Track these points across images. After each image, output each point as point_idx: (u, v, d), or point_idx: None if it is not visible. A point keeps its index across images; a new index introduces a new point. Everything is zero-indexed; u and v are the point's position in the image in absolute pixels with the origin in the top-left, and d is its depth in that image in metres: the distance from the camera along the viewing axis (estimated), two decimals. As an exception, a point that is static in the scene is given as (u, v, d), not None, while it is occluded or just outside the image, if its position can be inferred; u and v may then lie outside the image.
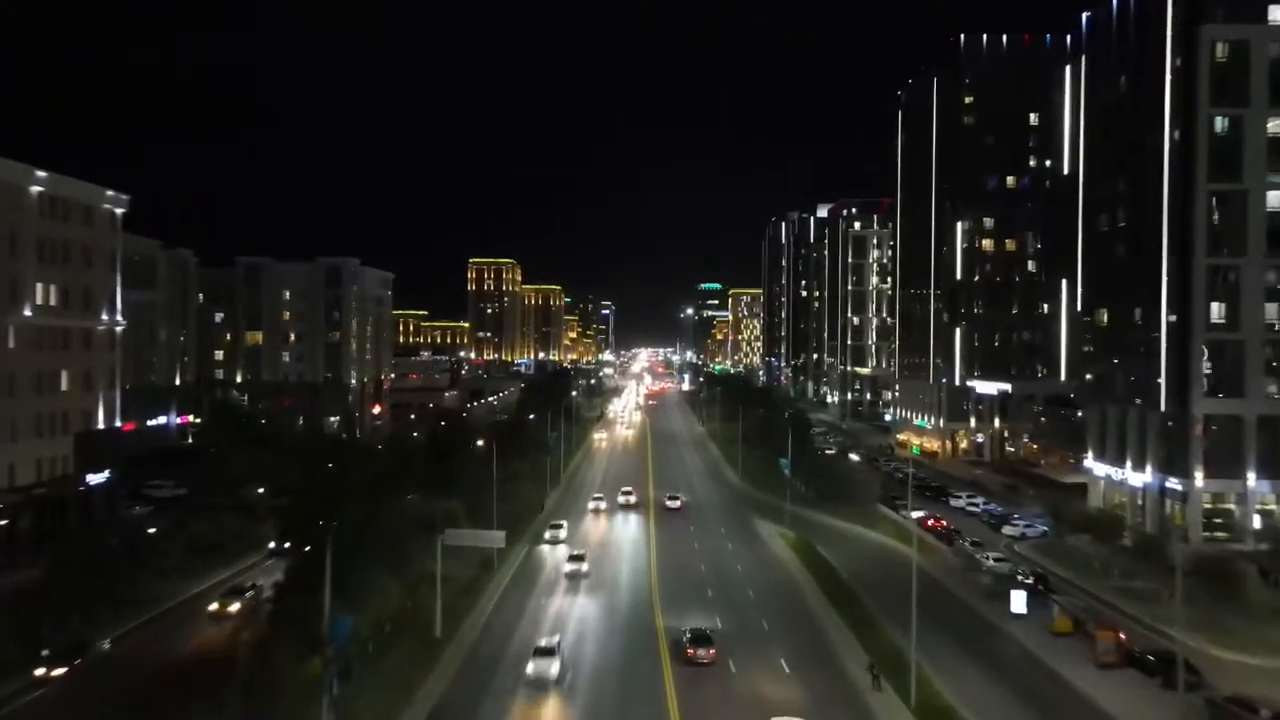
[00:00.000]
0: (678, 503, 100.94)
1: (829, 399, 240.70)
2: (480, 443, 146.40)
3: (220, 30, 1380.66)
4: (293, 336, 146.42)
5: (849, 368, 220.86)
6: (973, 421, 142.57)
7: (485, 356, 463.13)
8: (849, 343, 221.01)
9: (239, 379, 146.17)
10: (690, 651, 49.72)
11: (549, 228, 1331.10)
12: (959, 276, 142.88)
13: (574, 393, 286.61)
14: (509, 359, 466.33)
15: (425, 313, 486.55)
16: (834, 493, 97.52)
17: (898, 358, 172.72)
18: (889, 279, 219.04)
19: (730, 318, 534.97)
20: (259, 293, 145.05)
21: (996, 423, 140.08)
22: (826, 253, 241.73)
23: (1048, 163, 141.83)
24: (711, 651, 49.83)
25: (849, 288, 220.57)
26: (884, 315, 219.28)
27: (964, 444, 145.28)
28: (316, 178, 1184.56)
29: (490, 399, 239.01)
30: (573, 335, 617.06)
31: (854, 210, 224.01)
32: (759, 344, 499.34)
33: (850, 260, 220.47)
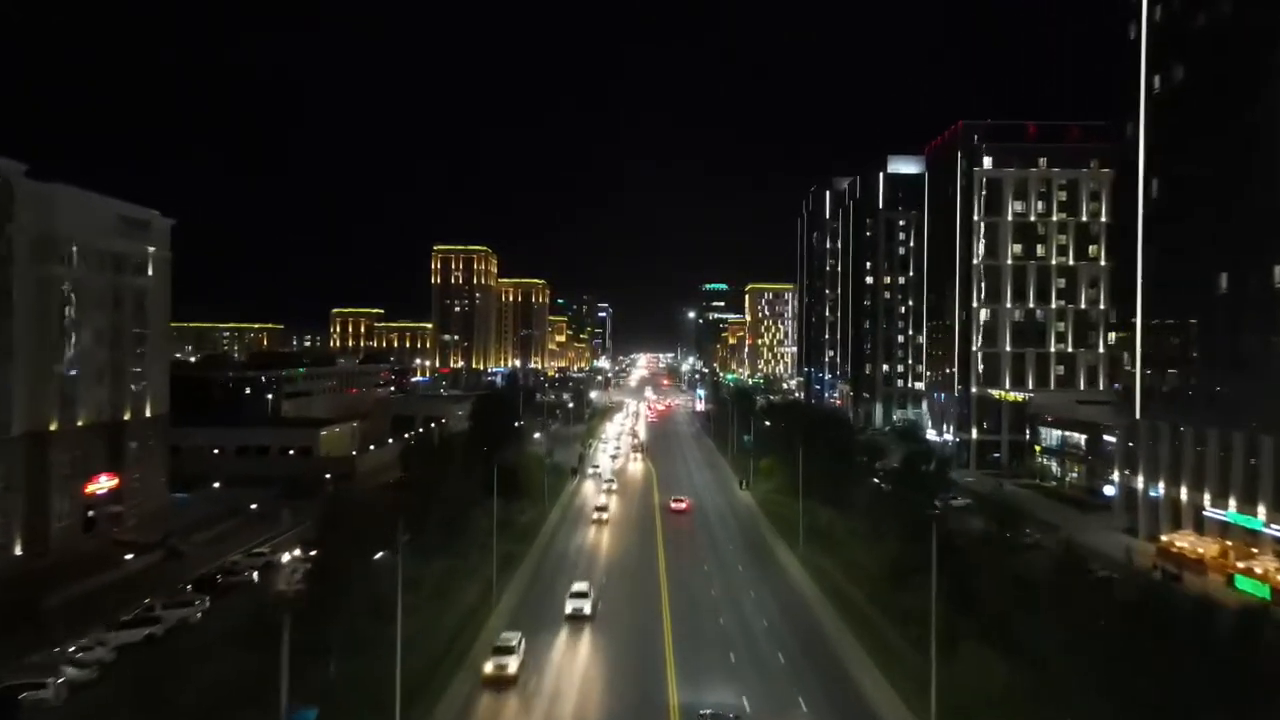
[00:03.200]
0: None
1: (929, 433, 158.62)
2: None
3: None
4: None
5: (976, 389, 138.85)
6: None
7: (452, 364, 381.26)
8: (977, 348, 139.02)
9: None
10: None
11: (539, 225, 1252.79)
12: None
13: (549, 412, 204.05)
14: (480, 366, 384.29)
15: (380, 311, 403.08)
16: None
17: (1137, 381, 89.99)
18: (1038, 246, 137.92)
19: (747, 319, 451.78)
20: None
21: None
22: (926, 212, 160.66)
23: None
24: None
25: (975, 261, 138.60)
26: (1033, 304, 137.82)
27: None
28: (287, 154, 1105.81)
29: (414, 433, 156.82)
30: (560, 339, 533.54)
31: (977, 142, 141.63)
32: (785, 350, 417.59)
33: (978, 219, 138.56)
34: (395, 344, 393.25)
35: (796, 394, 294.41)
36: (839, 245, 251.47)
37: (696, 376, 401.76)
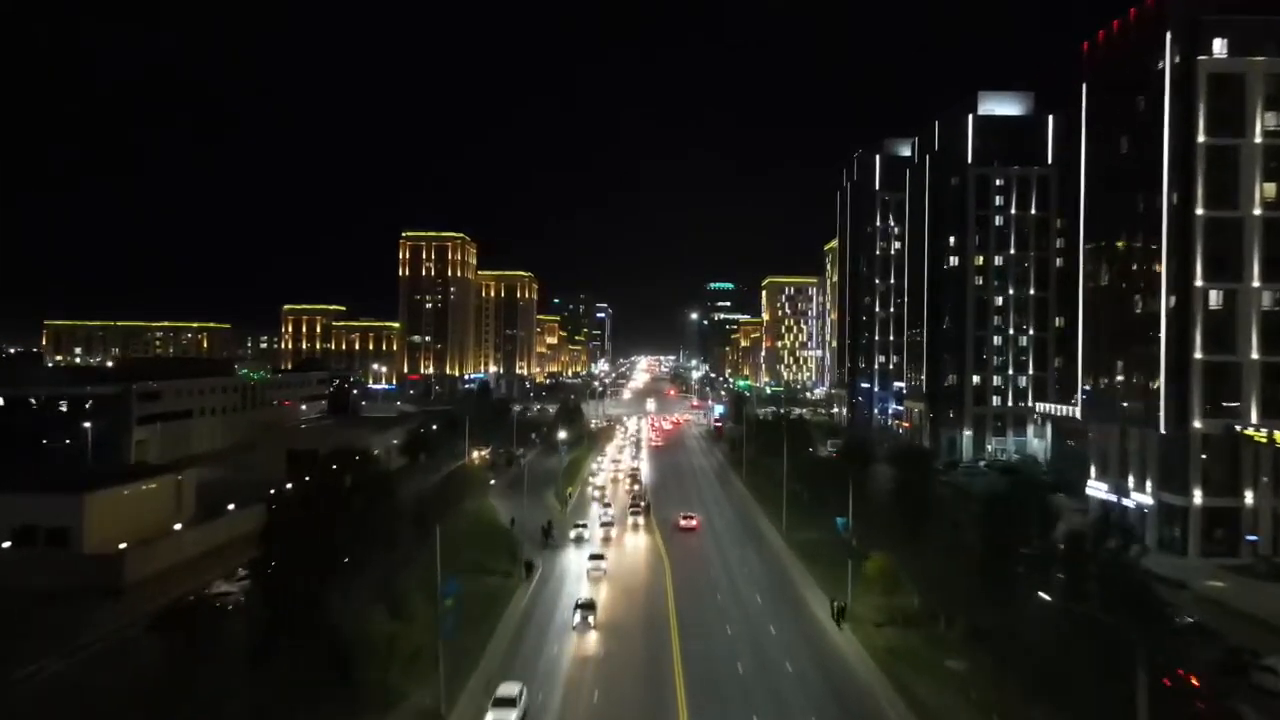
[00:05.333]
0: None
1: (1093, 488, 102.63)
2: None
3: None
4: None
5: (1201, 422, 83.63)
6: None
7: (422, 369, 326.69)
8: (1200, 355, 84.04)
9: None
10: None
11: (536, 223, 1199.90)
12: None
13: (519, 440, 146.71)
14: (456, 372, 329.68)
15: (342, 309, 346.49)
16: None
17: None
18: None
19: (764, 317, 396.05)
20: None
21: None
22: (1083, 145, 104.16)
23: None
24: None
25: (1199, 211, 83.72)
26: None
27: None
28: (263, 131, 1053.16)
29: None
30: (552, 341, 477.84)
31: (1198, 18, 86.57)
32: (808, 354, 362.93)
33: (1202, 140, 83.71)
34: (358, 346, 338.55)
35: (835, 409, 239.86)
36: (893, 224, 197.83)
37: (721, 390, 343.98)
